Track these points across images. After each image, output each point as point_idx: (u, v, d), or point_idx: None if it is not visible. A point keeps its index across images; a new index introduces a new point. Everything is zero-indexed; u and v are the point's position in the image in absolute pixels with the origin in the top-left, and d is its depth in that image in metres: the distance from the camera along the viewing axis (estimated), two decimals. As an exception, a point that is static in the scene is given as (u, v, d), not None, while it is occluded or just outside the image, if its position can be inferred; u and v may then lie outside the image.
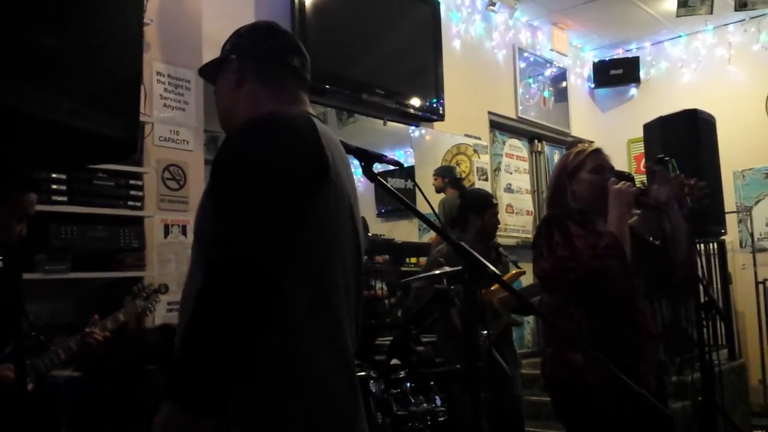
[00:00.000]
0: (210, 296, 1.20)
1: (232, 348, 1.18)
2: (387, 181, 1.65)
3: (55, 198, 3.12)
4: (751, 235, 6.65)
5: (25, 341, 2.36)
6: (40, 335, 2.50)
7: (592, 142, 3.89)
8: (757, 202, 6.73)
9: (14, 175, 2.28)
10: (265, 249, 1.23)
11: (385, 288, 5.33)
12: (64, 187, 3.15)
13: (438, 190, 5.43)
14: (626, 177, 3.15)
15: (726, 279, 5.86)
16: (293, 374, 1.31)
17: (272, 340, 1.28)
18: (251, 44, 1.63)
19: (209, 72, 1.69)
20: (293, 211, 1.30)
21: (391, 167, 1.79)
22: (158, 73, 3.65)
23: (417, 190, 4.95)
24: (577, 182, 2.47)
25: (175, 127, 3.69)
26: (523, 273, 3.79)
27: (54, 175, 3.13)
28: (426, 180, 5.50)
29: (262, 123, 1.38)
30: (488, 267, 1.53)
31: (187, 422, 1.18)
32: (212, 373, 1.18)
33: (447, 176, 5.46)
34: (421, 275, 3.48)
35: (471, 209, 3.89)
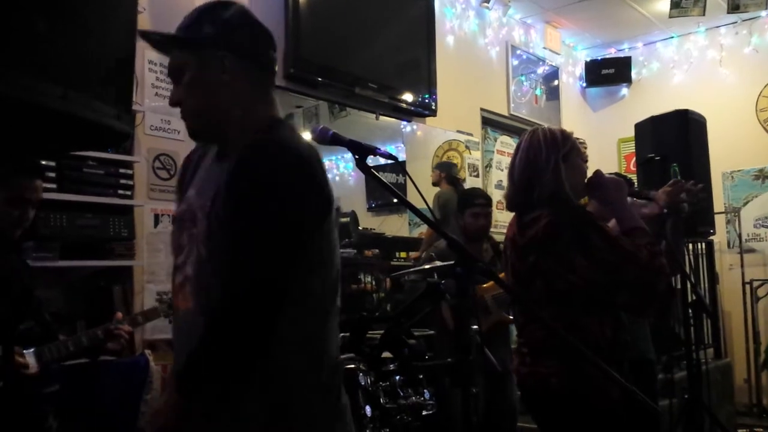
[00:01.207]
0: (237, 307, 1.38)
1: (253, 350, 1.40)
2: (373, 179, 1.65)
3: (44, 185, 3.09)
4: (739, 235, 6.70)
5: (33, 327, 2.35)
6: (54, 323, 2.48)
7: (582, 141, 3.85)
8: (745, 203, 6.78)
9: (15, 160, 2.26)
10: (281, 271, 1.42)
11: (374, 282, 5.33)
12: (53, 175, 3.13)
13: (433, 184, 5.43)
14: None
15: (713, 279, 5.90)
16: (307, 379, 1.48)
17: (289, 349, 1.46)
18: (245, 43, 1.56)
19: (171, 43, 1.59)
20: (305, 239, 1.47)
21: (382, 161, 1.79)
22: (150, 62, 3.63)
23: (407, 185, 4.95)
24: (570, 168, 2.15)
25: (166, 116, 3.67)
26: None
27: (43, 162, 3.10)
28: (417, 175, 5.49)
29: (281, 154, 1.46)
30: (480, 263, 1.53)
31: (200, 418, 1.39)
32: (233, 373, 1.40)
33: (444, 171, 5.46)
34: (411, 269, 3.49)
35: (457, 209, 3.90)
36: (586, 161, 2.31)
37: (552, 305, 2.10)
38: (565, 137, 2.20)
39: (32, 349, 2.30)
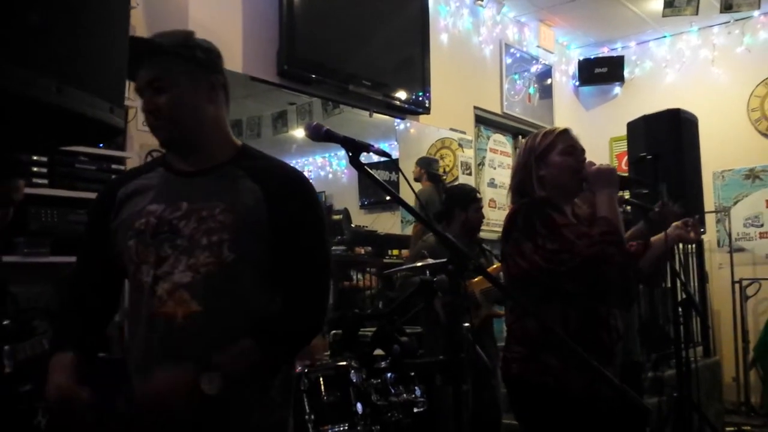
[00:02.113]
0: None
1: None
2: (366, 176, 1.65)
3: (35, 181, 3.08)
4: (729, 235, 6.73)
5: (8, 325, 2.34)
6: (29, 321, 2.46)
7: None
8: (735, 203, 6.81)
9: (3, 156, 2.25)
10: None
11: (366, 279, 5.34)
12: (44, 170, 3.11)
13: (415, 179, 5.42)
14: None
15: (703, 278, 5.94)
16: None
17: None
18: (222, 71, 1.77)
19: (177, 54, 1.65)
20: None
21: (375, 159, 1.80)
22: (143, 58, 3.61)
23: (400, 183, 4.95)
24: (546, 166, 2.28)
25: (159, 112, 3.65)
26: (505, 268, 3.81)
27: (35, 158, 3.09)
28: (410, 173, 5.49)
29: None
30: (473, 258, 1.54)
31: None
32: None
33: (425, 168, 5.46)
34: (404, 266, 3.50)
35: (455, 203, 3.91)
36: (576, 151, 2.33)
37: (515, 290, 2.27)
38: (544, 137, 2.34)
39: (7, 347, 2.29)
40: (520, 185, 2.34)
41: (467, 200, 3.93)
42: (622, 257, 2.13)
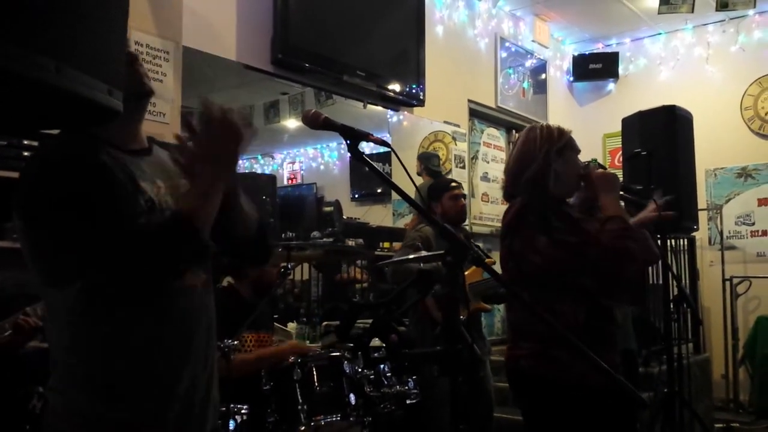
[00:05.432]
0: None
1: None
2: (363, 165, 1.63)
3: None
4: (720, 233, 6.76)
5: None
6: (18, 308, 2.43)
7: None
8: (727, 201, 6.83)
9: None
10: None
11: (357, 272, 5.32)
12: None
13: (417, 173, 5.44)
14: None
15: (694, 275, 5.96)
16: None
17: None
18: None
19: None
20: None
21: (368, 150, 1.78)
22: (136, 43, 3.57)
23: (392, 176, 4.94)
24: (564, 162, 2.25)
25: (152, 98, 3.62)
26: (493, 263, 3.81)
27: (25, 142, 3.05)
28: (406, 166, 5.48)
29: None
30: (472, 250, 1.53)
31: None
32: None
33: (425, 163, 5.47)
34: (396, 258, 3.48)
35: (431, 198, 3.93)
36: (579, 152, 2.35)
37: (525, 288, 2.21)
38: (562, 133, 2.31)
39: None
40: (536, 175, 2.23)
41: (439, 190, 3.94)
42: (642, 252, 2.12)
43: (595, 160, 3.10)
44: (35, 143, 3.06)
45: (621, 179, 4.21)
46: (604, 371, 1.59)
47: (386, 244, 5.50)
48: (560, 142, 2.27)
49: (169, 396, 1.53)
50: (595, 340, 1.89)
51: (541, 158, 2.24)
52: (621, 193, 2.43)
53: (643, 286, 2.38)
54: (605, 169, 3.54)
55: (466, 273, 3.64)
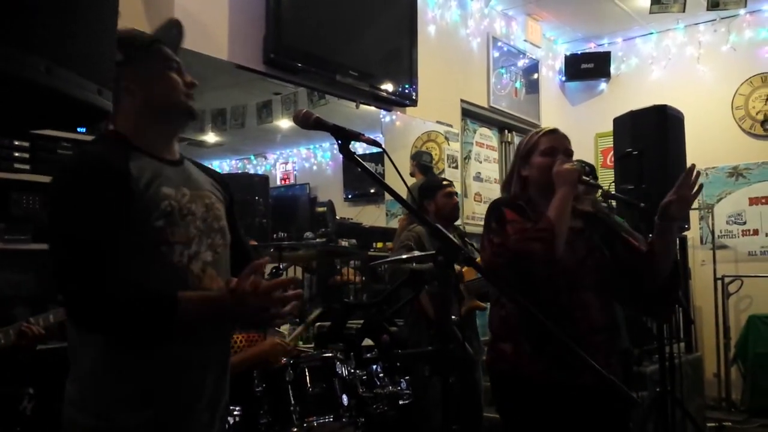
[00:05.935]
0: None
1: None
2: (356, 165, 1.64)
3: (17, 166, 3.03)
4: (712, 232, 6.78)
5: None
6: (10, 309, 2.41)
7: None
8: (719, 200, 6.86)
9: None
10: None
11: (350, 273, 5.32)
12: (26, 155, 3.06)
13: (411, 174, 5.43)
14: (585, 167, 3.18)
15: (686, 274, 5.97)
16: None
17: None
18: None
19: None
20: None
21: (360, 151, 1.79)
22: (128, 43, 3.56)
23: (385, 176, 4.93)
24: (529, 167, 2.37)
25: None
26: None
27: (17, 143, 3.04)
28: (398, 166, 5.48)
29: None
30: (463, 250, 1.52)
31: None
32: None
33: (416, 160, 5.47)
34: (389, 259, 3.48)
35: (423, 197, 3.93)
36: (556, 151, 2.35)
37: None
38: (530, 138, 2.42)
39: None
40: (505, 184, 2.49)
41: (433, 188, 3.95)
42: (545, 254, 2.11)
43: (580, 160, 3.09)
44: (26, 143, 3.06)
45: (613, 178, 4.25)
46: (595, 370, 1.59)
47: (379, 244, 5.50)
48: (524, 149, 2.40)
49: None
50: (548, 341, 1.95)
51: (510, 168, 2.47)
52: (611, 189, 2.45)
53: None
54: (588, 167, 3.54)
55: (463, 270, 3.64)
